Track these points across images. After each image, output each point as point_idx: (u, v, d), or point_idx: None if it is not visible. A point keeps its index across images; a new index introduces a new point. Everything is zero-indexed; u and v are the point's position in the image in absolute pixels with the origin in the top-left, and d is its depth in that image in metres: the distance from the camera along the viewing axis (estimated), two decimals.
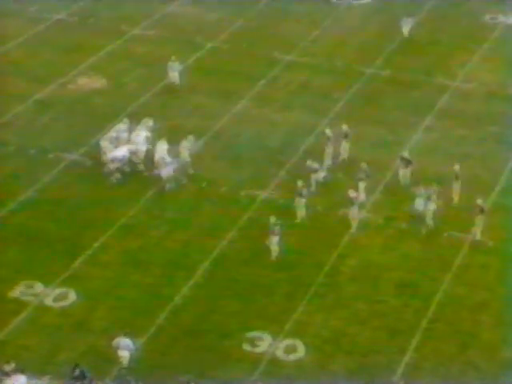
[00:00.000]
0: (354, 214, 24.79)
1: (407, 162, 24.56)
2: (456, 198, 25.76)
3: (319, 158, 27.85)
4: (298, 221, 25.09)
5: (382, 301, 22.71)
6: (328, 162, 27.78)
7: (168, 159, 26.80)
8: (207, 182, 27.32)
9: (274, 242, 23.81)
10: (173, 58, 32.19)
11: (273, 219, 23.91)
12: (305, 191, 25.17)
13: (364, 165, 26.30)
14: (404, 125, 30.57)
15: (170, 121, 30.51)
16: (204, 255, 24.13)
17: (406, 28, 35.50)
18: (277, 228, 23.78)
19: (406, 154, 25.01)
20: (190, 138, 27.11)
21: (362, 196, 26.19)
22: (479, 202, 24.50)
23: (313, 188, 26.82)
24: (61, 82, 32.82)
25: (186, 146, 26.85)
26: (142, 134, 27.97)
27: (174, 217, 25.70)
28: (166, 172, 26.58)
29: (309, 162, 26.93)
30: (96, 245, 24.42)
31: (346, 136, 28.13)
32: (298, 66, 34.49)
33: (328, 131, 28.03)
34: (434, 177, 27.28)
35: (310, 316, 22.24)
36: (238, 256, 24.11)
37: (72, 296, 22.64)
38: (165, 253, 24.31)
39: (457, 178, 25.77)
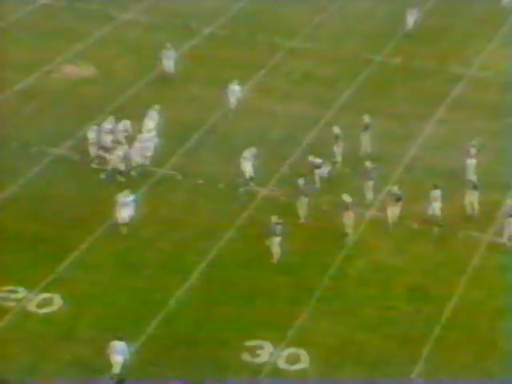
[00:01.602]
0: (349, 221, 24.41)
1: (397, 198, 23.79)
2: (476, 207, 24.97)
3: (324, 152, 27.63)
4: (302, 221, 24.81)
5: (392, 306, 22.51)
6: (335, 159, 27.49)
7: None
8: (203, 177, 27.11)
9: (275, 243, 23.60)
10: (168, 45, 31.93)
11: (274, 218, 23.68)
12: (307, 189, 24.87)
13: (369, 163, 26.04)
14: (415, 117, 30.39)
15: (163, 112, 30.34)
16: (200, 257, 23.92)
17: (410, 19, 35.08)
18: (278, 228, 23.53)
19: (395, 189, 24.22)
20: (253, 149, 26.49)
21: (370, 195, 25.89)
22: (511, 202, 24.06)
23: (317, 184, 26.57)
24: (45, 70, 32.60)
25: (247, 157, 26.36)
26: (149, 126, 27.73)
27: (168, 215, 25.48)
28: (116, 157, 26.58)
29: (311, 158, 26.71)
30: (83, 246, 24.21)
31: (366, 127, 27.80)
32: (301, 53, 34.31)
33: (336, 129, 27.76)
34: (446, 173, 27.08)
35: (314, 323, 22.02)
36: (236, 258, 23.89)
37: (57, 302, 22.41)
38: (157, 254, 24.09)
39: (475, 187, 24.97)
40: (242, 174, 26.52)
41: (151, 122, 28.22)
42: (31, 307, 22.22)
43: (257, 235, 24.17)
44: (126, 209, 23.91)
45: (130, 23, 35.82)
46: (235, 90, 30.49)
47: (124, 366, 20.20)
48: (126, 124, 27.83)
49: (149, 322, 21.81)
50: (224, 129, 29.55)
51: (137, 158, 27.03)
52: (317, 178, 26.63)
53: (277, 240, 23.53)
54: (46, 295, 22.55)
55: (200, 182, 26.97)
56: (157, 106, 28.79)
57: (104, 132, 27.37)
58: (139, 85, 31.95)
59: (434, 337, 21.62)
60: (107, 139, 27.27)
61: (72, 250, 24.01)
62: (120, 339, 20.20)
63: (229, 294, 22.72)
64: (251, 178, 26.46)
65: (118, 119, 27.93)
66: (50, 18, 35.66)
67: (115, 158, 26.61)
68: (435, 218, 24.73)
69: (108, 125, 27.49)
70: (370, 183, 25.91)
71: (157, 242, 24.52)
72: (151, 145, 27.46)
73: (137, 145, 27.23)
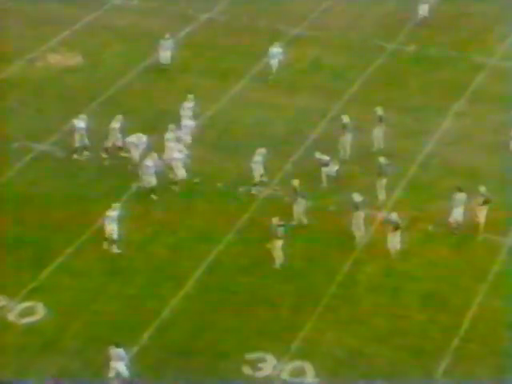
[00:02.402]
0: (359, 224, 24.52)
1: (395, 226, 23.83)
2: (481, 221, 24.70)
3: (332, 149, 27.78)
4: (294, 223, 24.91)
5: (404, 316, 22.64)
6: (343, 153, 27.69)
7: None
8: (200, 176, 27.26)
9: (277, 247, 23.76)
10: (167, 35, 32.10)
11: (275, 220, 23.82)
12: (304, 193, 24.93)
13: (382, 159, 26.17)
14: (431, 110, 30.53)
15: (156, 105, 30.53)
16: (196, 262, 24.07)
17: (424, 5, 35.16)
18: (280, 230, 23.68)
19: (393, 216, 23.81)
20: (262, 151, 26.60)
21: (382, 195, 26.05)
22: None
23: (324, 184, 26.76)
24: (28, 58, 32.81)
25: (259, 161, 26.49)
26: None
27: (161, 217, 25.63)
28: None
29: (318, 155, 26.85)
30: (69, 250, 24.38)
31: (380, 120, 27.96)
32: (307, 41, 34.49)
33: (345, 118, 27.93)
34: (465, 171, 27.23)
35: (320, 333, 22.15)
36: (235, 263, 24.04)
37: (40, 310, 22.55)
38: (150, 259, 24.25)
39: (486, 202, 24.51)
40: (257, 177, 26.54)
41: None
42: (12, 317, 22.37)
43: (258, 238, 24.33)
44: (112, 223, 23.71)
45: (121, 8, 36.06)
46: (277, 53, 30.75)
47: (125, 373, 20.42)
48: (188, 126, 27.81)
49: (141, 333, 21.96)
50: (223, 123, 29.73)
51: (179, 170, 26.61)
52: (324, 177, 26.82)
53: (279, 243, 23.69)
54: (29, 304, 22.68)
55: (196, 180, 27.11)
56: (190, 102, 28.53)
57: (115, 132, 27.35)
58: (130, 75, 32.15)
59: (450, 349, 21.74)
60: (119, 140, 27.34)
61: (57, 255, 24.18)
62: (117, 346, 20.40)
63: (228, 303, 22.87)
64: (261, 182, 26.53)
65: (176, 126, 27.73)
66: (33, 3, 35.87)
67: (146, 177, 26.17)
68: (456, 225, 24.71)
69: (116, 124, 27.48)
70: (383, 181, 26.02)
71: (149, 246, 24.68)
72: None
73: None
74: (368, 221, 25.24)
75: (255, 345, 21.65)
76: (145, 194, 26.48)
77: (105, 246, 23.99)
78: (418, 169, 27.79)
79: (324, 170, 26.75)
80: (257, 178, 26.62)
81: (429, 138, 29.16)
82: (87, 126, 27.82)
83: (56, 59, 33.00)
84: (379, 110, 28.17)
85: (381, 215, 25.79)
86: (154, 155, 26.31)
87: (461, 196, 24.87)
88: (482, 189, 24.52)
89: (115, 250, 23.79)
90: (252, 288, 23.31)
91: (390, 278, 23.69)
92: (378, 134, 28.12)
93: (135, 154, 27.24)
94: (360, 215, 24.49)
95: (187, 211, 25.76)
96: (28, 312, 22.51)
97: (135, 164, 27.02)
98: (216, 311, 22.62)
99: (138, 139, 27.42)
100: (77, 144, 27.76)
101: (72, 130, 28.02)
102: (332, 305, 22.86)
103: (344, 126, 27.81)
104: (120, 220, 23.98)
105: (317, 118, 29.97)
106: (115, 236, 23.84)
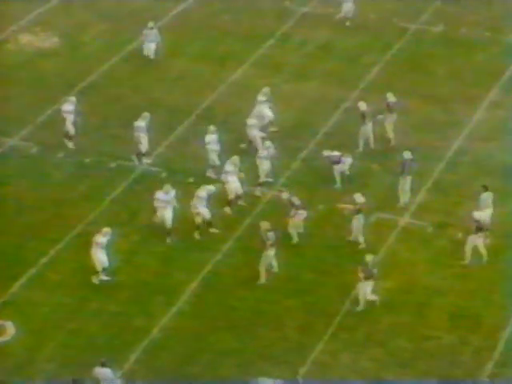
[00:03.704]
0: (359, 229, 24.61)
1: (369, 274, 23.20)
2: None
3: (346, 144, 27.81)
4: (295, 241, 24.93)
5: (430, 337, 22.65)
6: (363, 146, 27.85)
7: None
8: (194, 175, 27.31)
9: (268, 257, 23.59)
10: (150, 23, 32.10)
11: (265, 225, 23.79)
12: (303, 204, 24.80)
13: (406, 154, 26.23)
14: (461, 100, 30.61)
15: (143, 94, 30.63)
16: (190, 274, 24.11)
17: None
18: (271, 236, 23.56)
19: (370, 259, 22.82)
20: (269, 144, 26.76)
21: (405, 196, 26.12)
22: None
23: (338, 184, 26.83)
24: None
25: (265, 156, 26.58)
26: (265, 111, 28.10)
27: (149, 221, 25.65)
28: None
29: (326, 152, 26.93)
30: (43, 260, 24.42)
31: (390, 109, 28.06)
32: (318, 20, 34.50)
33: (362, 105, 27.96)
34: (499, 169, 27.27)
35: (333, 356, 22.17)
36: (235, 275, 24.09)
37: (10, 330, 22.55)
38: (137, 271, 24.29)
39: None
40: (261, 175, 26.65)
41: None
42: None
43: (261, 248, 24.20)
44: (102, 251, 23.59)
45: None
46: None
47: None
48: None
49: (126, 355, 21.97)
50: (220, 115, 29.76)
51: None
52: (337, 176, 26.89)
53: (270, 252, 23.56)
54: None
55: (190, 180, 27.18)
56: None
57: (141, 132, 27.32)
58: (113, 60, 32.24)
59: (484, 375, 21.74)
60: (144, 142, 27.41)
61: (29, 265, 24.19)
62: (103, 365, 20.49)
63: (226, 320, 22.89)
64: (265, 183, 26.64)
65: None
66: None
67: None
68: (483, 228, 24.82)
69: (141, 122, 27.36)
70: (408, 180, 26.03)
71: (136, 255, 24.72)
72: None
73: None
74: (387, 228, 25.29)
75: (258, 369, 21.66)
76: (131, 196, 26.54)
77: (94, 279, 23.74)
78: (445, 167, 27.86)
79: (336, 168, 26.83)
80: (261, 178, 26.66)
81: (458, 132, 29.20)
82: (76, 110, 27.78)
83: (28, 40, 33.07)
84: (390, 97, 28.21)
85: (403, 221, 25.85)
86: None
87: (487, 196, 24.92)
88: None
89: (104, 277, 23.63)
90: (254, 304, 23.34)
91: (412, 293, 23.71)
92: (389, 124, 28.16)
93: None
94: (360, 219, 24.51)
95: (179, 215, 25.59)
96: None
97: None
98: (213, 330, 22.63)
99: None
100: (66, 130, 27.81)
101: (48, 123, 28.12)
102: (346, 323, 22.86)
103: (363, 115, 27.85)
104: (109, 247, 23.68)
105: (329, 109, 30.03)
106: (105, 264, 23.66)
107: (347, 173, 26.91)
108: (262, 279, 23.71)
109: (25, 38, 33.21)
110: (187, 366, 21.86)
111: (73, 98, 28.20)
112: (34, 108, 29.65)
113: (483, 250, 24.24)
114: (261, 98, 28.64)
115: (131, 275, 24.10)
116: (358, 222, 24.61)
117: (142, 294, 23.58)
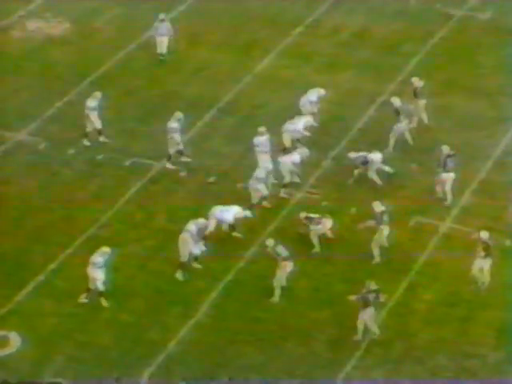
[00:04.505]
0: (377, 241, 24.49)
1: (367, 301, 22.25)
2: None
3: (382, 141, 27.73)
4: (316, 249, 25.02)
5: (474, 354, 22.56)
6: (393, 145, 27.88)
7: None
8: (216, 175, 27.39)
9: (282, 273, 23.43)
10: (161, 15, 31.84)
11: (271, 242, 23.74)
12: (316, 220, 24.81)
13: (446, 148, 26.16)
14: (510, 93, 30.51)
15: (160, 87, 30.69)
16: (210, 282, 24.15)
17: None
18: (280, 250, 23.43)
19: (371, 285, 22.64)
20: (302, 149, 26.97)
21: (449, 197, 26.05)
22: None
23: (379, 183, 26.77)
24: (2, 26, 33.06)
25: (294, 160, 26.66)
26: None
27: (166, 225, 25.75)
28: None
29: (352, 154, 26.88)
30: (51, 266, 24.52)
31: (416, 94, 28.10)
32: (352, 4, 34.44)
33: (396, 101, 27.98)
34: None
35: (365, 373, 22.14)
36: (259, 284, 24.08)
37: (14, 341, 22.63)
38: (151, 278, 24.34)
39: None
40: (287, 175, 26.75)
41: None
42: None
43: (288, 254, 24.21)
44: (98, 271, 23.40)
45: None
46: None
47: None
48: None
49: (140, 371, 22.01)
50: (245, 109, 29.83)
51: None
52: (373, 176, 26.77)
53: (285, 269, 23.34)
54: (0, 333, 22.78)
55: (211, 180, 27.28)
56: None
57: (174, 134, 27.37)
58: (129, 48, 32.35)
59: None
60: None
61: (36, 272, 24.28)
62: (118, 381, 20.67)
63: (249, 334, 22.88)
64: (293, 183, 26.74)
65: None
66: None
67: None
68: None
69: (174, 123, 27.41)
70: (450, 177, 25.94)
71: (151, 262, 24.77)
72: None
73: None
74: (427, 234, 25.23)
75: None
76: (146, 197, 26.62)
77: (82, 298, 23.58)
78: (492, 167, 27.78)
79: (371, 169, 26.73)
80: (286, 178, 26.68)
81: (506, 129, 29.05)
82: (100, 106, 27.78)
83: (36, 27, 33.22)
84: (416, 81, 28.19)
85: (444, 226, 25.77)
86: None
87: None
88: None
89: (103, 302, 23.55)
90: (280, 315, 23.32)
91: (455, 305, 23.64)
92: (417, 112, 28.14)
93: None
94: (385, 231, 24.38)
95: (198, 218, 25.69)
96: None
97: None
98: (234, 344, 22.62)
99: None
100: (88, 129, 27.91)
101: (58, 116, 28.25)
102: (381, 338, 22.81)
103: (397, 112, 27.87)
104: (108, 267, 23.54)
105: (363, 103, 30.02)
106: (100, 287, 23.45)
107: (386, 169, 26.81)
108: (277, 297, 23.66)
109: (33, 24, 33.39)
110: (206, 382, 21.89)
111: (98, 94, 28.12)
112: (42, 100, 29.82)
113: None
114: (312, 97, 28.45)
115: (146, 283, 24.16)
116: (379, 235, 24.46)
117: (157, 304, 23.63)
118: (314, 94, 28.72)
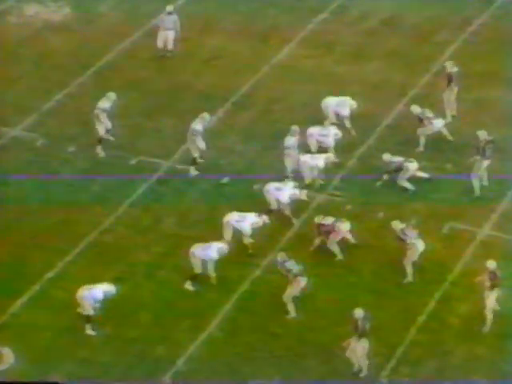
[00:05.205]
0: (410, 257, 24.30)
1: (362, 331, 22.33)
2: None
3: (412, 140, 27.56)
4: (339, 257, 24.98)
5: None
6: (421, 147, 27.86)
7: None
8: (229, 174, 27.37)
9: (294, 291, 23.36)
10: (168, 7, 31.61)
11: (281, 256, 23.69)
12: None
13: (482, 134, 26.23)
14: None
15: (169, 78, 30.69)
16: (223, 294, 24.11)
17: None
18: (290, 265, 23.35)
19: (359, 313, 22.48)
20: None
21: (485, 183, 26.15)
22: None
23: (411, 189, 26.72)
24: None
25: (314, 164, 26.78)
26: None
27: (176, 230, 25.76)
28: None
29: (386, 157, 26.79)
30: (49, 275, 24.51)
31: (450, 80, 28.18)
32: None
33: (416, 109, 27.87)
34: None
35: None
36: (277, 295, 23.93)
37: (7, 357, 22.48)
38: (159, 288, 24.31)
39: None
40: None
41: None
42: None
43: (309, 262, 24.23)
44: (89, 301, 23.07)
45: None
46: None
47: None
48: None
49: None
50: (262, 102, 29.83)
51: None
52: (404, 183, 26.67)
53: (297, 287, 23.24)
54: None
55: (224, 181, 27.24)
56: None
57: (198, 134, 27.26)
58: (135, 35, 32.38)
59: None
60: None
61: (32, 281, 24.26)
62: None
63: (266, 350, 22.85)
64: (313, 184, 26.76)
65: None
66: None
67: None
68: None
69: (198, 125, 27.23)
70: (485, 164, 26.10)
71: (158, 270, 24.76)
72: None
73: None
74: (463, 241, 25.16)
75: None
76: (154, 199, 26.57)
77: (87, 331, 23.32)
78: None
79: (401, 174, 26.63)
80: (308, 178, 26.67)
81: None
82: (112, 108, 27.68)
83: (35, 12, 33.30)
84: (451, 66, 28.18)
85: (482, 233, 25.60)
86: None
87: None
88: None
89: (88, 331, 23.21)
90: (299, 330, 23.28)
91: (493, 320, 23.41)
92: (449, 100, 28.14)
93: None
94: (419, 246, 24.19)
95: (211, 222, 25.76)
96: None
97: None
98: (250, 361, 22.61)
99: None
100: (100, 134, 27.80)
101: (57, 110, 28.24)
102: (411, 356, 22.74)
103: (420, 119, 27.74)
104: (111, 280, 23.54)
105: (392, 97, 29.98)
106: (90, 311, 23.14)
107: (422, 175, 26.77)
108: (293, 312, 23.56)
109: (30, 9, 33.51)
110: None
111: (112, 95, 27.81)
112: (41, 92, 29.88)
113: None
114: (343, 111, 28.31)
115: (153, 294, 24.15)
116: (412, 250, 24.29)
117: (165, 317, 23.59)
118: (344, 108, 28.33)
